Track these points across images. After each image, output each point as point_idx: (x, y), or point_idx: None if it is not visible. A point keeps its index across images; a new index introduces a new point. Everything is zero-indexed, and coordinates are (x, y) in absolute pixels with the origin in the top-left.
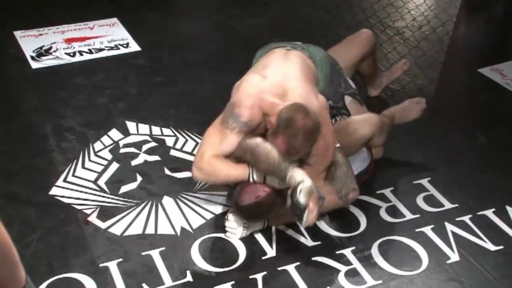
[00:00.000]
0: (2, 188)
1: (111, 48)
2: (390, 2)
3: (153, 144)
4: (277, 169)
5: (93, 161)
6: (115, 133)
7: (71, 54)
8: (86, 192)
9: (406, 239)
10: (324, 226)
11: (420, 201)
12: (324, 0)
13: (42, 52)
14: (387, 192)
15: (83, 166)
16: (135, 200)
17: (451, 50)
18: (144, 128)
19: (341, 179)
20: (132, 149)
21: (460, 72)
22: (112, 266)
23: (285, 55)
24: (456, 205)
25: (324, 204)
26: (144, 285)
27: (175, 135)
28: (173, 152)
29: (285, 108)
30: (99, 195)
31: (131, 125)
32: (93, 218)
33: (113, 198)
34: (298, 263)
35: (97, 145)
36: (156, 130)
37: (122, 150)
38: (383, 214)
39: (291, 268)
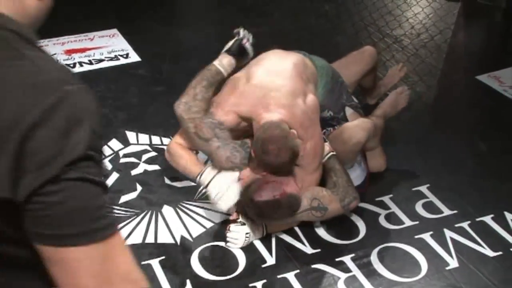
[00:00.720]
0: None
1: (111, 59)
2: (389, 10)
3: (153, 153)
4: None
5: None
6: (115, 143)
7: (71, 65)
8: None
9: (405, 245)
10: (323, 233)
11: (419, 208)
12: (325, 9)
13: None
14: (386, 199)
15: None
16: (135, 209)
17: (449, 57)
18: (144, 138)
19: (344, 187)
20: (132, 159)
21: (459, 79)
22: None
23: (282, 53)
24: (455, 211)
25: (326, 214)
26: None
27: None
28: None
29: (256, 143)
30: None
31: (131, 135)
32: None
33: (113, 208)
34: (297, 271)
35: None
36: (156, 140)
37: (122, 160)
38: (382, 221)
39: (291, 276)
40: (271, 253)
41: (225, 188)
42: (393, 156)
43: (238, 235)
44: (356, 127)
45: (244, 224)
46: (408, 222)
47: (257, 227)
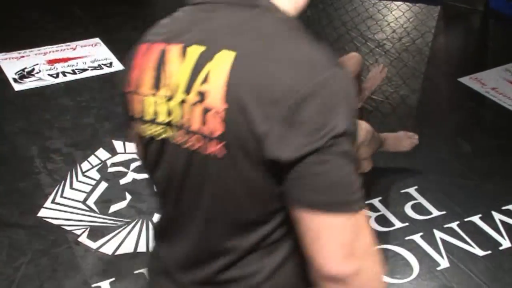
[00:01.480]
0: None
1: (95, 68)
2: (370, 15)
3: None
4: None
5: (81, 182)
6: (102, 153)
7: (54, 75)
8: (75, 213)
9: (396, 247)
10: None
11: (408, 209)
12: (306, 15)
13: (24, 74)
14: (376, 202)
15: (71, 187)
16: (126, 218)
17: (431, 60)
18: (131, 146)
19: None
20: (120, 168)
21: (441, 81)
22: (105, 286)
23: None
24: (444, 212)
25: None
26: None
27: None
28: None
29: None
30: (88, 215)
31: (118, 144)
32: (83, 239)
33: (103, 218)
34: None
35: (85, 165)
36: None
37: (110, 170)
38: (373, 223)
39: None
40: None
41: None
42: (380, 159)
43: None
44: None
45: None
46: (398, 224)
47: None
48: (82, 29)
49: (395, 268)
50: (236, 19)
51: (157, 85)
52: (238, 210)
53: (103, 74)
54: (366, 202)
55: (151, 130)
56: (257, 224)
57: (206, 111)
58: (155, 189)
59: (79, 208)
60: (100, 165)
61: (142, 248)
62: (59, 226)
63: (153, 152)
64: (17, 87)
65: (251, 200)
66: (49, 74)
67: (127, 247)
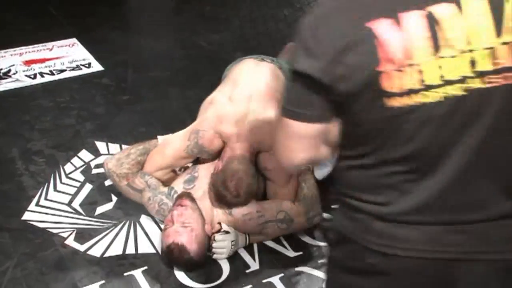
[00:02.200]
0: None
1: (73, 69)
2: None
3: None
4: None
5: (65, 184)
6: (85, 154)
7: (32, 76)
8: (60, 215)
9: None
10: (303, 236)
11: None
12: (283, 14)
13: (1, 75)
14: None
15: (55, 189)
16: (112, 220)
17: None
18: (114, 147)
19: (311, 200)
20: None
21: None
22: None
23: (255, 68)
24: None
25: (292, 227)
26: None
27: None
28: None
29: (220, 179)
30: (74, 218)
31: (101, 145)
32: (70, 241)
33: (89, 220)
34: (282, 274)
35: (68, 167)
36: None
37: (94, 171)
38: None
39: (275, 280)
40: (254, 258)
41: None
42: None
43: (224, 244)
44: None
45: (228, 232)
46: None
47: (240, 235)
48: (58, 29)
49: None
50: None
51: (436, 47)
52: None
53: (82, 75)
54: None
55: (429, 96)
56: None
57: None
58: (402, 167)
59: (64, 211)
60: (83, 167)
61: (131, 249)
62: (44, 229)
63: (414, 122)
64: None
65: None
66: (26, 75)
67: (116, 249)
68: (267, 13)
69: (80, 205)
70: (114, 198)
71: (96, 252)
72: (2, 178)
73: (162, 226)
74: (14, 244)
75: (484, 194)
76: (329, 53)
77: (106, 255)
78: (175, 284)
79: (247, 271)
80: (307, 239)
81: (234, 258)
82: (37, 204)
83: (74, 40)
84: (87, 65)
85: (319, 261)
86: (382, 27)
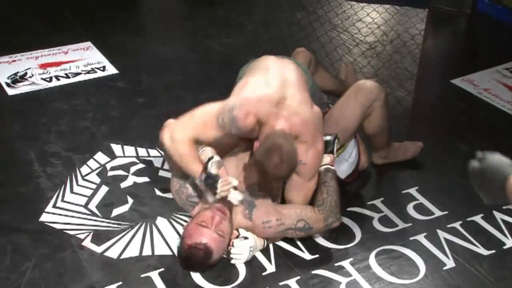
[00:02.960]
0: None
1: (88, 72)
2: (359, 18)
3: (141, 165)
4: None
5: (81, 186)
6: (101, 156)
7: (48, 79)
8: (77, 217)
9: (402, 247)
10: (320, 239)
11: (410, 210)
12: (296, 18)
13: (17, 79)
14: (378, 202)
15: (71, 191)
16: (129, 222)
17: (423, 62)
18: (130, 150)
19: (331, 207)
20: (120, 172)
21: (435, 83)
22: None
23: (281, 61)
24: (446, 212)
25: (310, 232)
26: None
27: (162, 156)
28: (162, 173)
29: (262, 150)
30: (91, 219)
31: (116, 148)
32: (87, 243)
33: (106, 222)
34: (298, 277)
35: (84, 169)
36: (142, 152)
37: (110, 173)
38: (376, 224)
39: (292, 282)
40: (270, 261)
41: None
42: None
43: (243, 249)
44: (347, 98)
45: (246, 238)
46: (401, 225)
47: (258, 239)
48: (73, 33)
49: (402, 268)
50: None
51: None
52: None
53: (97, 78)
54: (369, 203)
55: None
56: None
57: None
58: None
59: (81, 212)
60: (99, 169)
61: (147, 251)
62: (62, 230)
63: None
64: (10, 91)
65: None
66: (42, 78)
67: (132, 251)
68: (280, 17)
69: (97, 207)
70: (130, 200)
71: (113, 253)
72: (20, 180)
73: (177, 226)
74: (32, 245)
75: None
76: None
77: (123, 256)
78: (192, 286)
79: (263, 273)
80: (323, 242)
81: (250, 260)
82: (54, 206)
83: (89, 43)
84: (102, 68)
85: (335, 264)
86: None
